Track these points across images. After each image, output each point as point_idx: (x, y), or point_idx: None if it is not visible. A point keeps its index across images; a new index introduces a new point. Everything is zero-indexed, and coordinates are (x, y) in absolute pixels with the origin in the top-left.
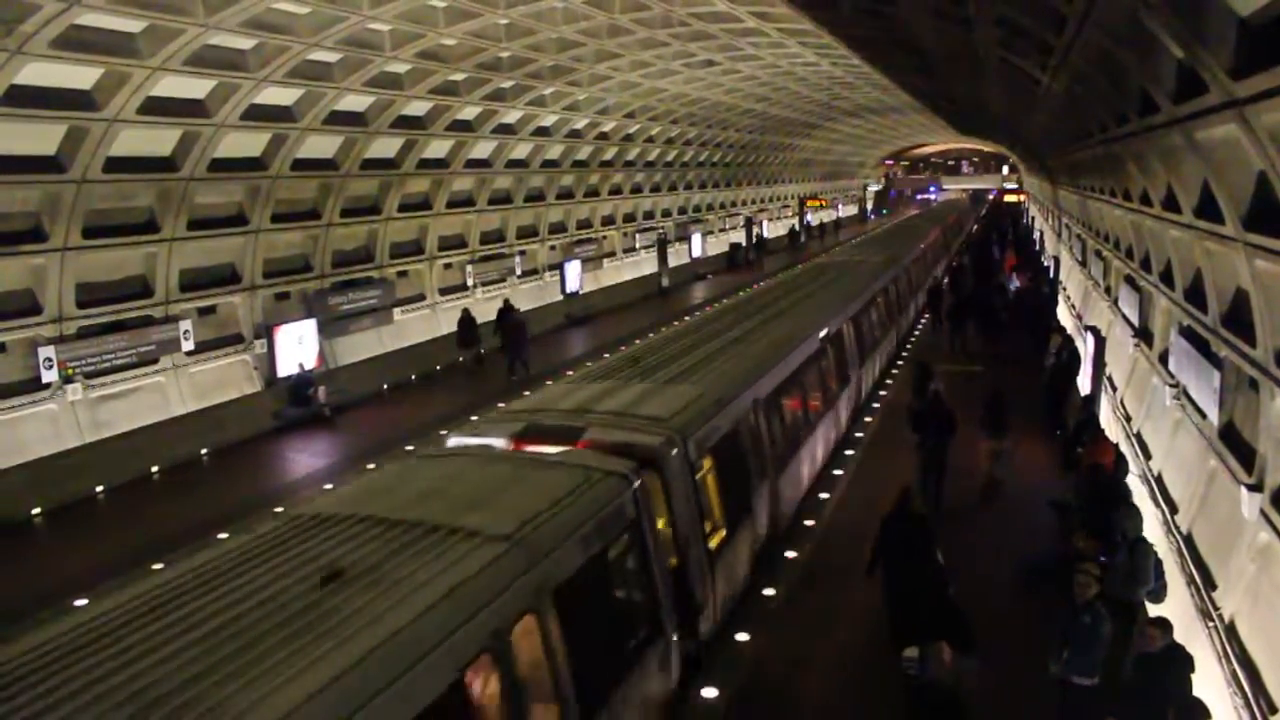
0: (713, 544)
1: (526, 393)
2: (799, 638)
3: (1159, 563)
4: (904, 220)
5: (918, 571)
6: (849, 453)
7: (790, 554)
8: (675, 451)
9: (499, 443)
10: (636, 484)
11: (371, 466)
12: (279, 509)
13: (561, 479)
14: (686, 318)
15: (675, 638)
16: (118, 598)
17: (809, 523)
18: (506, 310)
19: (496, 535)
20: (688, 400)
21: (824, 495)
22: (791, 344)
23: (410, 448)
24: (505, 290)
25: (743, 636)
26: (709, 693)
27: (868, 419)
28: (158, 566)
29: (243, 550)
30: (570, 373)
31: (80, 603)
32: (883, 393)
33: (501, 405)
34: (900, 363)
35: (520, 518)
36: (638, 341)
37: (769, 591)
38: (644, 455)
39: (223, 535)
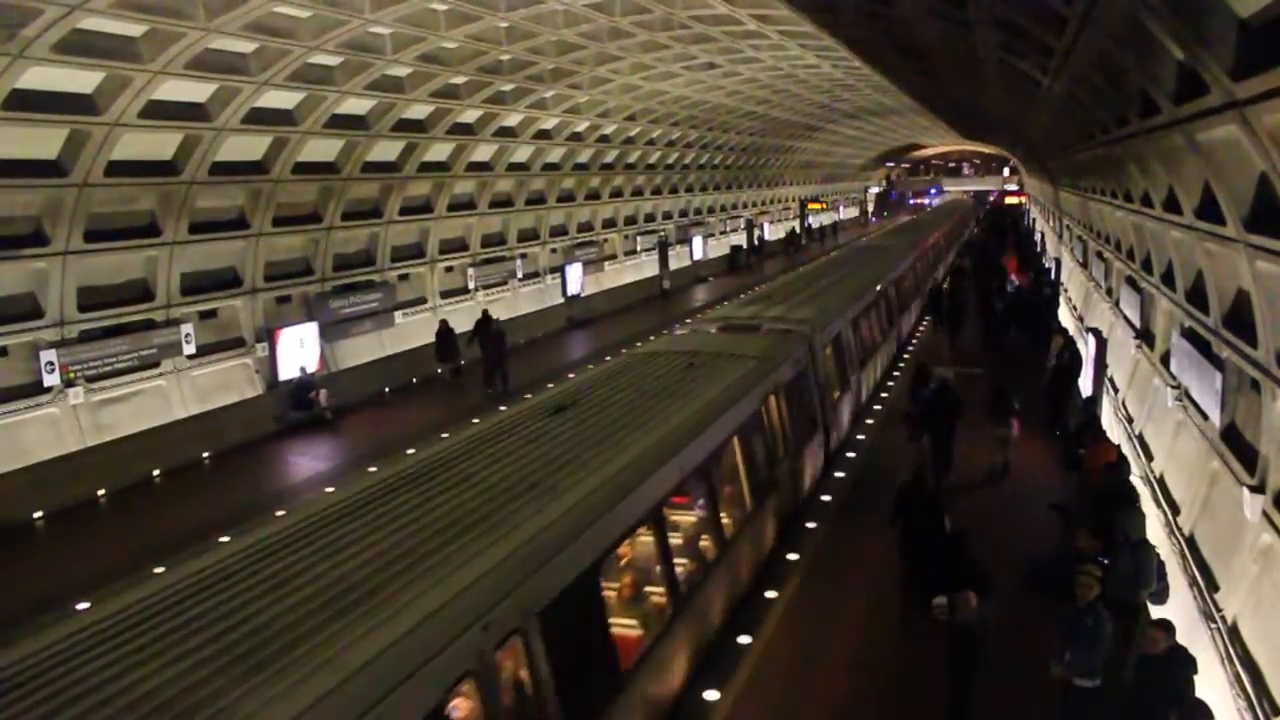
0: (834, 397)
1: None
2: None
3: (1161, 564)
4: (907, 223)
5: (934, 537)
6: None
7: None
8: (817, 334)
9: (710, 331)
10: (806, 343)
11: (373, 469)
12: (282, 511)
13: (768, 339)
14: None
15: (823, 438)
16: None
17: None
18: (485, 320)
19: (752, 356)
20: (814, 312)
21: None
22: (863, 290)
23: (411, 450)
24: (506, 293)
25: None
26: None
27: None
28: (158, 571)
29: (621, 364)
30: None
31: (82, 606)
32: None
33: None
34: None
35: (759, 350)
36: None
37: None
38: (800, 334)
39: (224, 539)
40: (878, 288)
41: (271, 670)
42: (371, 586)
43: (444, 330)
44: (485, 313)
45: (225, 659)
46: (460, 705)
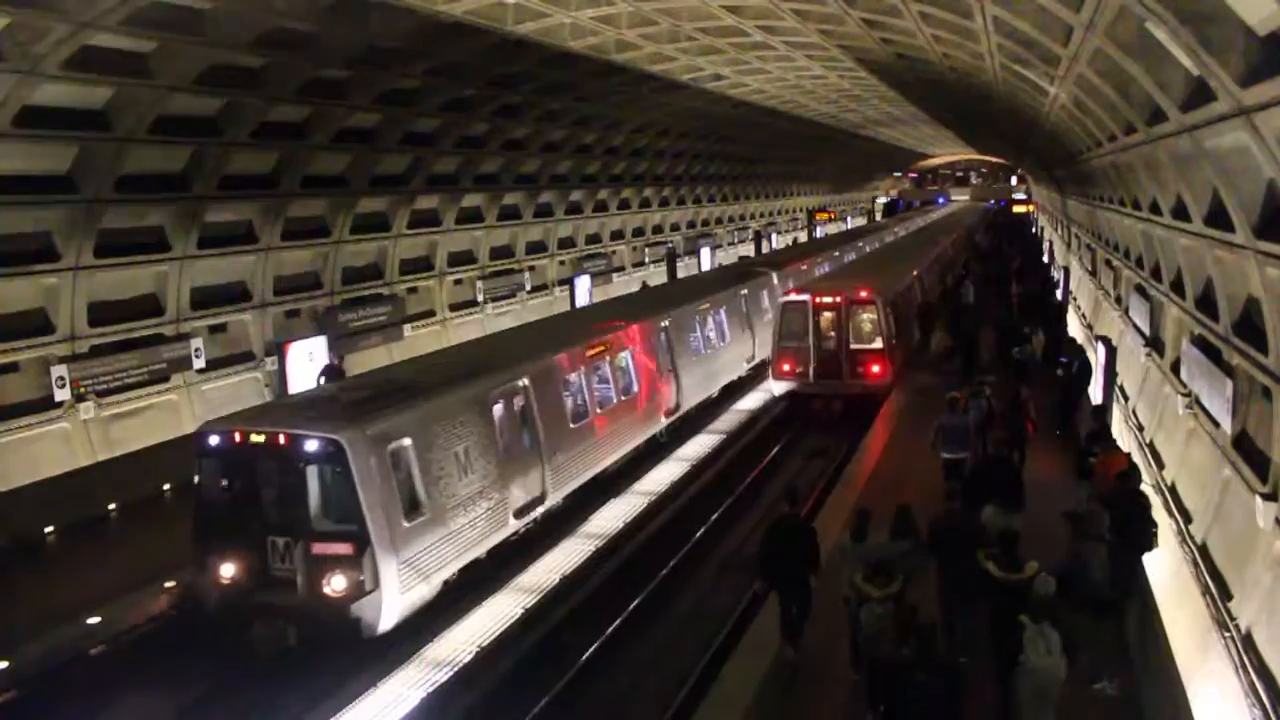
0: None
1: None
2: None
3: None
4: (918, 230)
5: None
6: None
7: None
8: (881, 297)
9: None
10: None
11: None
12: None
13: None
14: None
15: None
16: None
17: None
18: None
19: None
20: (889, 278)
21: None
22: (913, 267)
23: None
24: (515, 306)
25: None
26: None
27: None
28: (170, 584)
29: (875, 248)
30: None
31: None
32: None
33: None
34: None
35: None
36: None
37: None
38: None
39: None
40: (925, 266)
41: None
42: None
43: None
44: None
45: None
46: None
